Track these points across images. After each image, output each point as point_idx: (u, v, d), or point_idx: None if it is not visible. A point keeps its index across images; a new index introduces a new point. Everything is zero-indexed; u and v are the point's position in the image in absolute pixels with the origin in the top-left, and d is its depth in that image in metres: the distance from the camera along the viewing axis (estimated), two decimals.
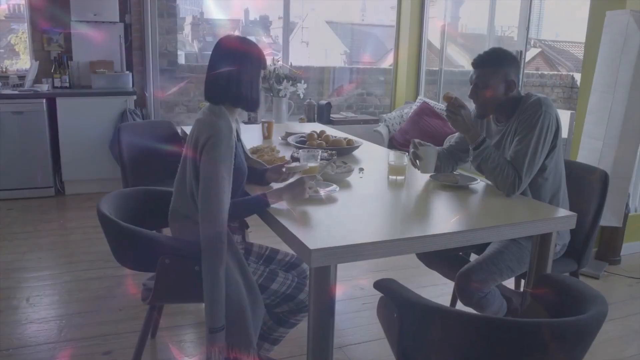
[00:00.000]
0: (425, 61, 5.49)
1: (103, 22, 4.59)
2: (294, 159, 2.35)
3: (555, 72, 6.92)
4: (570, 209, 2.21)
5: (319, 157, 2.08)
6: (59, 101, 4.28)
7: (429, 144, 2.16)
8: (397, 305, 1.35)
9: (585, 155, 3.17)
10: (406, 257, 3.12)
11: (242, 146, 2.02)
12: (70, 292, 2.79)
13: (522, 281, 2.54)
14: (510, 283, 2.45)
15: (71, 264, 3.14)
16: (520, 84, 2.12)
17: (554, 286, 1.52)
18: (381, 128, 4.90)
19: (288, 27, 5.34)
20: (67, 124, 4.33)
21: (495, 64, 2.04)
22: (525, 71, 7.46)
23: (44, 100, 4.25)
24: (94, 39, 4.64)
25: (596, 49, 3.15)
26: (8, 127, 4.17)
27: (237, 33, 1.90)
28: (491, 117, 2.21)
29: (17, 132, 4.20)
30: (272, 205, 1.72)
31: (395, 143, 4.71)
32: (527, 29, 3.99)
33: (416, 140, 2.18)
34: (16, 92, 4.25)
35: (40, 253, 3.30)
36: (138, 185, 2.25)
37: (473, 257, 2.26)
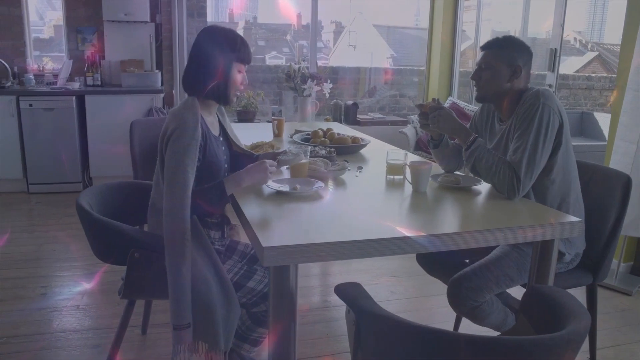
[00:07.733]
0: (459, 63, 5.28)
1: (134, 22, 4.68)
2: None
3: (605, 75, 6.50)
4: (589, 217, 2.02)
5: (308, 153, 1.99)
6: (88, 99, 4.38)
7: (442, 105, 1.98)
8: (354, 313, 1.24)
9: (618, 159, 2.91)
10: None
11: (230, 138, 1.95)
12: (76, 285, 2.82)
13: None
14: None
15: (83, 258, 3.17)
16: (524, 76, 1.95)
17: (541, 299, 1.36)
18: (408, 129, 4.74)
19: (316, 28, 5.28)
20: (95, 121, 4.43)
21: (501, 46, 1.90)
22: (572, 73, 7.10)
23: (74, 98, 4.36)
24: (125, 38, 4.74)
25: (633, 47, 2.90)
26: (40, 123, 4.31)
27: (231, 29, 1.84)
28: (495, 116, 2.04)
29: (48, 129, 4.33)
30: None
31: (422, 145, 4.54)
32: (562, 25, 3.74)
33: (425, 103, 2.03)
34: (48, 90, 4.38)
35: (56, 245, 3.36)
36: (148, 180, 2.21)
37: None
